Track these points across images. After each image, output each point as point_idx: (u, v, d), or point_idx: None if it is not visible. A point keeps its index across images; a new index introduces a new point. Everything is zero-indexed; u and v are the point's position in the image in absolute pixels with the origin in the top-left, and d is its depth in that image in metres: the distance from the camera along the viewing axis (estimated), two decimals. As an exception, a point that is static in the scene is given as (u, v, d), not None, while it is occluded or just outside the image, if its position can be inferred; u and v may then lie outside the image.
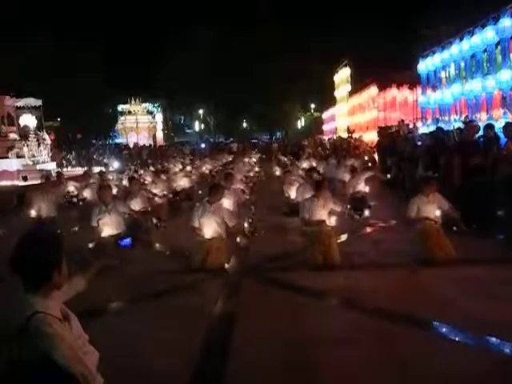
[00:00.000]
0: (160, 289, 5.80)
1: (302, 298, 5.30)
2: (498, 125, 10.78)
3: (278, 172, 16.65)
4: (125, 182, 12.56)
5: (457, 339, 4.18)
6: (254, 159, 24.75)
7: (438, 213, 6.33)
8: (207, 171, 18.51)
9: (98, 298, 4.21)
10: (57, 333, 2.12)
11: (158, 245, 7.94)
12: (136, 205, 8.72)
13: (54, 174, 13.70)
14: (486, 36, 14.09)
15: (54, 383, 2.11)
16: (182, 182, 13.02)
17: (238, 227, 6.89)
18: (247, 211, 8.72)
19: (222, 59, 50.94)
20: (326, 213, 6.55)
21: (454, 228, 6.66)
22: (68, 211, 8.92)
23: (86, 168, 17.23)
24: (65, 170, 20.08)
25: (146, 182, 12.15)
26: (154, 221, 8.25)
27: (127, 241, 7.24)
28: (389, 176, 12.02)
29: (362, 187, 10.25)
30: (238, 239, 6.73)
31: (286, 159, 16.76)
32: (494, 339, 4.06)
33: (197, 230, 6.49)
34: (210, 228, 6.44)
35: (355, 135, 30.79)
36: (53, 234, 2.46)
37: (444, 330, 4.41)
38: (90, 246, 6.98)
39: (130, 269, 6.49)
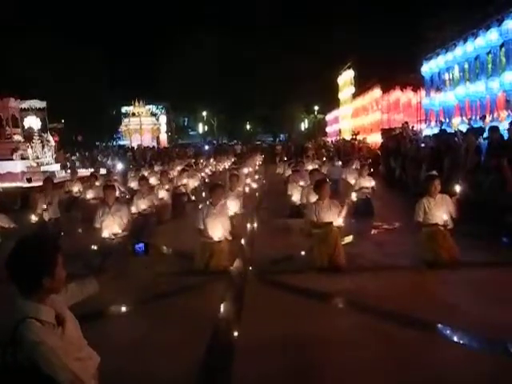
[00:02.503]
0: (163, 291, 5.77)
1: (306, 300, 5.27)
2: (502, 127, 10.75)
3: (281, 173, 16.62)
4: (131, 184, 12.63)
5: (461, 342, 4.16)
6: (259, 161, 24.74)
7: (445, 217, 6.21)
8: (211, 173, 18.53)
9: (100, 300, 4.18)
10: (42, 340, 2.10)
11: (161, 247, 7.92)
12: (142, 205, 8.74)
13: (57, 176, 13.71)
14: (490, 38, 14.07)
15: None
16: (186, 183, 13.03)
17: (238, 229, 6.85)
18: (250, 212, 8.72)
19: (225, 61, 51.06)
20: (332, 214, 6.51)
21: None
22: (72, 212, 8.92)
23: (91, 170, 17.24)
24: (69, 171, 20.08)
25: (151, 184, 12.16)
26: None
27: (140, 246, 7.21)
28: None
29: (368, 186, 10.24)
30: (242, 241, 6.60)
31: (291, 160, 16.84)
32: (498, 342, 4.02)
33: (202, 231, 6.47)
34: (214, 230, 6.41)
35: (359, 137, 30.74)
36: (44, 240, 2.42)
37: (448, 332, 4.37)
38: (94, 247, 6.98)
39: (132, 270, 6.48)
